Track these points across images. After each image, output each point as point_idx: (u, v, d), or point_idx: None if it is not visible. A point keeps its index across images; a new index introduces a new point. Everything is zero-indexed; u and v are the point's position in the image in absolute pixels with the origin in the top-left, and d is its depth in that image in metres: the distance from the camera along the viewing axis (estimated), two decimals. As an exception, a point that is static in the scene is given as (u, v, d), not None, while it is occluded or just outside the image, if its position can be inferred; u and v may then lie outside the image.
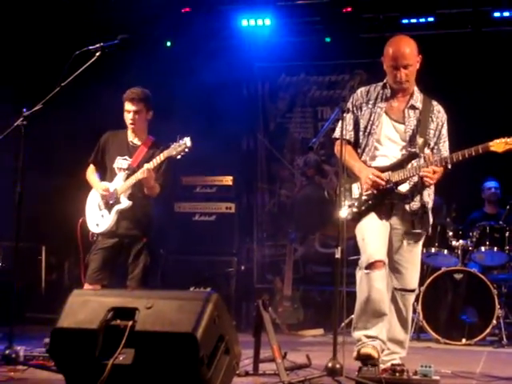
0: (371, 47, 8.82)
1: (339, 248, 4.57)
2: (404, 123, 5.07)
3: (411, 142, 5.05)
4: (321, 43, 9.39)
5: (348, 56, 9.47)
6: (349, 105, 5.16)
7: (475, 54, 9.08)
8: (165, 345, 3.87)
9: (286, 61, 9.90)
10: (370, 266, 4.84)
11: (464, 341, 7.36)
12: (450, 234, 7.93)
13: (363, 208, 5.04)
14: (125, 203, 6.14)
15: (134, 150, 6.24)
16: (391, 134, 5.09)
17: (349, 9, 8.93)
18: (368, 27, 9.15)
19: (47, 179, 8.72)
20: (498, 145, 4.89)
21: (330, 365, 4.51)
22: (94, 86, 8.33)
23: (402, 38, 5.14)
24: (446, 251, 7.87)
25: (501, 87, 8.99)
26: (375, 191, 5.01)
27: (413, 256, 5.12)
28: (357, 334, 4.92)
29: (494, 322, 7.36)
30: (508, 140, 4.89)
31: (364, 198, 5.05)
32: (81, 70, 5.12)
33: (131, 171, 6.15)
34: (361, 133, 5.13)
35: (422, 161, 4.99)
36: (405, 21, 9.04)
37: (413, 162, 5.02)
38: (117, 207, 6.15)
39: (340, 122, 4.91)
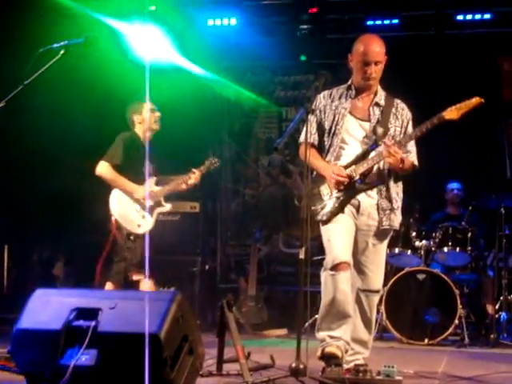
0: (336, 48, 8.91)
1: (303, 248, 4.58)
2: (369, 121, 5.10)
3: (372, 134, 5.08)
4: (286, 43, 9.39)
5: (313, 56, 9.49)
6: (313, 107, 5.15)
7: (438, 55, 9.15)
8: (128, 345, 3.85)
9: (251, 60, 9.90)
10: (336, 268, 4.85)
11: (427, 341, 7.40)
12: (414, 234, 7.99)
13: (334, 208, 5.04)
14: (167, 207, 6.64)
15: (150, 154, 6.51)
16: (357, 132, 5.11)
17: (314, 9, 8.94)
18: (333, 28, 9.17)
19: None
20: (451, 112, 4.96)
21: (293, 365, 4.51)
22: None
23: (373, 35, 5.21)
24: (409, 252, 7.93)
25: (462, 88, 9.06)
26: (343, 188, 5.02)
27: (377, 257, 5.14)
28: (321, 335, 4.93)
29: (456, 321, 7.41)
30: (458, 105, 4.96)
31: (334, 198, 5.06)
32: (45, 68, 5.06)
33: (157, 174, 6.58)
34: (326, 135, 5.14)
35: (382, 148, 4.99)
36: (369, 22, 9.08)
37: (374, 151, 5.05)
38: (159, 210, 6.56)
39: (307, 124, 4.93)
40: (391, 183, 5.11)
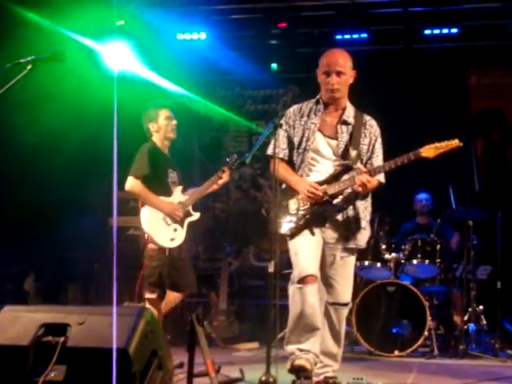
0: (305, 62, 8.96)
1: (272, 262, 4.59)
2: (337, 139, 5.13)
3: (344, 155, 5.10)
4: (256, 57, 9.43)
5: (283, 71, 9.54)
6: (282, 122, 5.17)
7: (407, 69, 9.24)
8: (97, 361, 3.82)
9: (221, 75, 9.93)
10: (303, 281, 4.87)
11: (397, 352, 7.43)
12: (383, 247, 8.03)
13: (300, 223, 5.07)
14: (196, 215, 6.52)
15: (171, 162, 6.58)
16: (324, 149, 5.14)
17: (284, 24, 8.99)
18: (303, 42, 9.23)
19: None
20: (428, 150, 4.99)
21: (263, 378, 4.52)
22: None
23: (336, 49, 5.31)
24: (379, 264, 7.96)
25: (431, 102, 9.18)
26: (312, 205, 5.04)
27: (345, 270, 5.17)
28: (290, 348, 4.94)
29: (426, 333, 7.45)
30: (438, 145, 5.00)
31: (301, 213, 5.08)
32: (12, 83, 5.05)
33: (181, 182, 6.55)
34: (295, 150, 5.17)
35: (355, 173, 5.04)
36: (339, 36, 9.14)
37: (347, 174, 5.08)
38: (188, 220, 6.45)
39: (275, 138, 4.96)
40: (358, 202, 5.15)
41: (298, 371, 4.80)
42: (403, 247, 8.02)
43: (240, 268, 9.68)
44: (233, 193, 10.00)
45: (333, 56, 5.10)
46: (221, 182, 6.60)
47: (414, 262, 7.93)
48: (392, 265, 7.94)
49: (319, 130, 5.14)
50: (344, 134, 5.12)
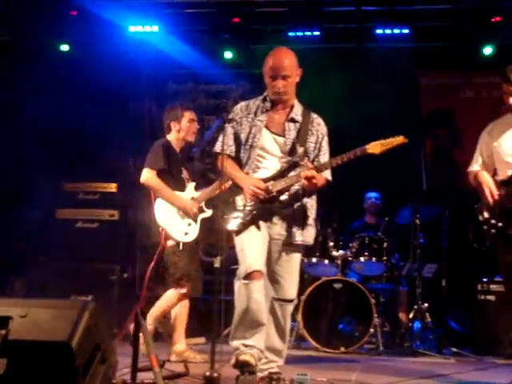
0: (258, 58, 8.94)
1: (219, 258, 4.60)
2: (284, 136, 5.14)
3: (291, 153, 5.12)
4: (209, 52, 9.40)
5: (235, 66, 9.53)
6: (230, 118, 5.19)
7: (359, 68, 9.30)
8: (39, 354, 3.79)
9: (173, 68, 9.89)
10: (249, 277, 4.88)
11: (342, 349, 7.49)
12: (331, 244, 8.08)
13: (247, 219, 5.07)
14: (209, 212, 6.44)
15: (182, 160, 6.61)
16: (271, 146, 5.15)
17: (237, 19, 8.98)
18: (255, 38, 9.23)
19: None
20: (374, 147, 5.03)
21: (207, 373, 4.54)
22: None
23: (281, 49, 5.23)
24: (326, 261, 8.01)
25: (382, 102, 9.24)
26: (258, 201, 5.06)
27: (291, 266, 5.18)
28: (235, 343, 4.95)
29: (372, 330, 7.53)
30: (383, 141, 5.04)
31: (248, 209, 5.09)
32: None
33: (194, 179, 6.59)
34: (242, 146, 5.17)
35: (302, 169, 5.06)
36: (291, 33, 9.15)
37: (294, 170, 5.10)
38: (202, 216, 6.42)
39: (222, 135, 4.97)
40: (305, 199, 5.17)
41: (243, 366, 4.81)
42: (351, 245, 8.09)
43: (190, 263, 9.65)
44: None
45: (278, 59, 5.08)
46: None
47: (361, 259, 8.01)
48: (339, 262, 7.99)
49: (266, 127, 5.15)
50: (291, 131, 5.14)
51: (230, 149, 5.17)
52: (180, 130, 6.56)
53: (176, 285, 6.42)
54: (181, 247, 6.36)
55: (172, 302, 6.57)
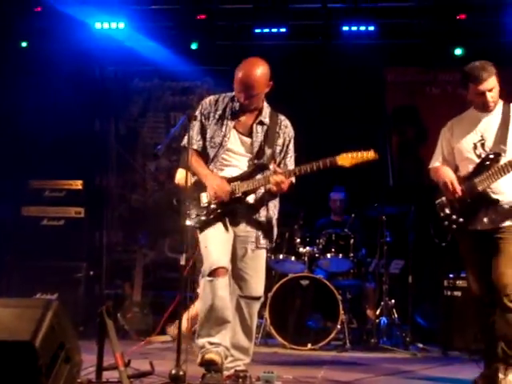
0: (224, 55, 8.97)
1: (184, 255, 4.58)
2: (252, 138, 5.12)
3: (259, 154, 5.11)
4: (174, 48, 9.36)
5: (201, 62, 9.50)
6: (197, 113, 5.16)
7: (326, 65, 9.32)
8: (1, 354, 3.76)
9: (139, 65, 9.84)
10: (213, 273, 4.86)
11: (310, 346, 7.50)
12: (298, 240, 8.08)
13: (211, 216, 5.05)
14: None
15: None
16: (238, 147, 5.13)
17: (203, 16, 8.94)
18: (221, 35, 9.21)
19: None
20: (344, 159, 5.03)
21: (173, 372, 4.52)
22: None
23: (254, 64, 5.05)
24: (293, 258, 8.01)
25: (349, 98, 9.28)
26: (222, 201, 5.04)
27: (257, 263, 5.16)
28: (200, 341, 4.93)
29: (339, 326, 7.55)
30: (354, 155, 5.04)
31: (212, 206, 5.06)
32: None
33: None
34: (207, 142, 5.15)
35: (270, 172, 5.06)
36: (258, 30, 9.14)
37: (261, 173, 5.10)
38: None
39: (189, 130, 4.94)
40: (270, 203, 5.19)
41: (209, 365, 4.80)
42: (317, 241, 8.10)
43: (155, 260, 9.64)
44: (149, 184, 9.94)
45: (248, 76, 4.97)
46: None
47: (328, 255, 8.02)
48: (306, 258, 8.00)
49: (234, 128, 5.13)
50: (259, 133, 5.13)
51: (198, 144, 5.15)
52: None
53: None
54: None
55: None
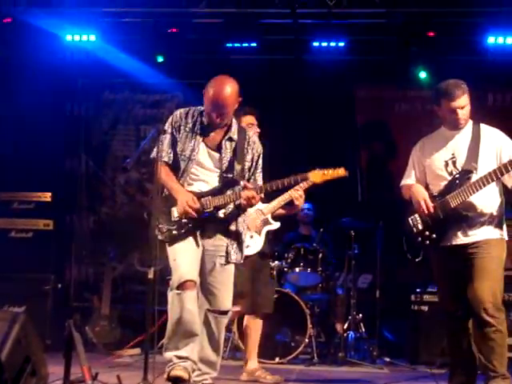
0: (195, 69, 8.99)
1: (152, 268, 4.58)
2: (220, 153, 5.15)
3: (228, 170, 5.14)
4: (145, 61, 9.37)
5: (172, 76, 9.52)
6: (168, 126, 5.17)
7: (296, 80, 9.37)
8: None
9: (110, 77, 9.84)
10: (181, 287, 4.86)
11: (277, 359, 7.51)
12: (267, 255, 8.10)
13: (182, 230, 5.06)
14: (275, 225, 6.31)
15: None
16: (207, 161, 5.15)
17: (174, 30, 8.96)
18: (193, 49, 9.24)
19: None
20: (316, 175, 5.09)
21: (140, 385, 4.51)
22: None
23: (223, 83, 5.06)
24: (262, 272, 8.03)
25: (320, 113, 9.34)
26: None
27: (225, 277, 5.17)
28: (168, 355, 4.93)
29: (307, 340, 7.57)
30: (325, 172, 5.11)
31: (184, 221, 5.07)
32: None
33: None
34: (178, 155, 5.16)
35: (240, 187, 5.08)
36: (229, 45, 9.18)
37: (232, 188, 5.12)
38: (267, 228, 6.29)
39: (158, 142, 4.95)
40: (239, 218, 5.22)
41: (175, 381, 4.79)
42: (286, 255, 8.12)
43: (124, 273, 9.61)
44: (119, 197, 9.92)
45: (219, 95, 4.99)
46: (288, 199, 6.32)
47: (297, 270, 8.05)
48: (275, 273, 7.99)
49: (203, 142, 5.15)
50: (228, 149, 5.15)
51: (169, 156, 5.15)
52: None
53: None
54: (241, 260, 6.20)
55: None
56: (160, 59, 9.16)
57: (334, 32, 8.90)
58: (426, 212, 5.25)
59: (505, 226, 5.28)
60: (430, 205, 5.24)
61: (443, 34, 8.73)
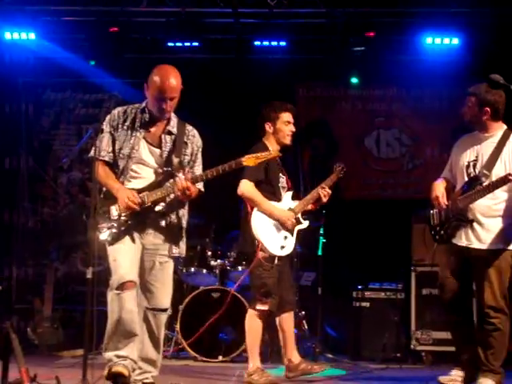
0: (136, 68, 8.95)
1: (91, 268, 4.57)
2: (161, 148, 5.15)
3: (167, 164, 5.14)
4: (87, 61, 9.29)
5: (113, 75, 9.46)
6: (106, 124, 5.15)
7: (239, 79, 9.40)
8: None
9: (51, 77, 9.75)
10: (121, 287, 4.85)
11: (221, 358, 7.54)
12: (209, 253, 8.13)
13: (122, 229, 5.05)
14: (305, 223, 6.27)
15: (280, 166, 6.37)
16: (148, 158, 5.15)
17: (115, 29, 8.91)
18: (134, 48, 9.21)
19: None
20: (249, 160, 5.12)
21: (79, 386, 4.49)
22: None
23: (169, 69, 5.09)
24: (204, 270, 8.06)
25: (257, 111, 9.36)
26: (132, 212, 5.05)
27: (164, 275, 5.17)
28: (108, 355, 4.91)
29: (249, 339, 7.59)
30: (258, 154, 5.15)
31: (123, 219, 5.06)
32: None
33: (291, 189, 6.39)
34: (118, 155, 5.14)
35: (177, 180, 5.07)
36: (171, 44, 9.18)
37: (169, 181, 5.12)
38: (298, 227, 6.24)
39: (97, 141, 4.94)
40: (180, 211, 5.21)
41: (116, 378, 4.78)
42: (229, 254, 8.14)
43: (67, 274, 9.55)
44: (61, 197, 9.84)
45: (166, 81, 5.00)
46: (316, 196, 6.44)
47: (240, 268, 8.07)
48: (218, 271, 8.04)
49: (144, 139, 5.15)
50: (168, 143, 5.16)
51: (109, 155, 5.14)
52: (274, 133, 6.33)
53: (258, 300, 6.16)
54: (276, 261, 6.15)
55: (257, 326, 6.27)
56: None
57: (276, 31, 8.95)
58: (440, 208, 5.60)
59: None
60: (442, 202, 5.56)
61: (382, 33, 8.85)
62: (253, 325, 6.23)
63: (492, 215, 5.46)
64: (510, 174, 5.26)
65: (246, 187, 6.13)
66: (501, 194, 5.44)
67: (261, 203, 6.13)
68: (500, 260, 5.43)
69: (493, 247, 5.44)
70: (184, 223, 5.25)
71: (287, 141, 6.42)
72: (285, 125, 6.37)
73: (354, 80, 9.41)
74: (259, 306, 6.13)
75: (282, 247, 6.19)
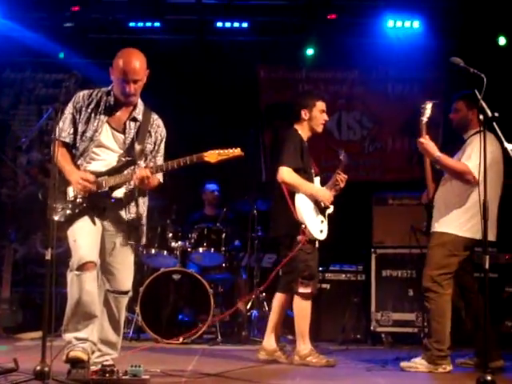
0: (97, 48, 8.88)
1: (50, 249, 4.53)
2: (124, 134, 5.12)
3: (129, 150, 5.10)
4: (48, 40, 9.19)
5: (75, 55, 9.37)
6: (70, 106, 5.10)
7: (200, 61, 9.36)
8: None
9: (11, 56, 9.63)
10: (81, 268, 4.81)
11: (181, 339, 7.54)
12: (170, 235, 8.12)
13: (77, 210, 5.00)
14: (331, 208, 6.34)
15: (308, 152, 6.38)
16: (110, 142, 5.10)
17: (76, 8, 8.82)
18: (95, 28, 9.12)
19: None
20: (211, 155, 5.09)
21: (38, 368, 4.45)
22: None
23: (133, 52, 5.06)
24: (165, 252, 8.05)
25: (223, 94, 9.36)
26: (88, 195, 5.01)
27: (125, 257, 5.15)
28: (67, 336, 4.88)
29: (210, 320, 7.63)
30: (221, 151, 5.12)
31: (78, 200, 5.02)
32: None
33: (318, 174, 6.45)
34: (78, 137, 5.09)
35: (137, 168, 5.06)
36: (132, 24, 9.11)
37: (130, 168, 5.09)
38: (328, 212, 6.30)
39: (59, 123, 4.88)
40: (140, 199, 5.19)
41: (74, 362, 4.76)
42: (190, 236, 8.15)
43: (26, 255, 9.45)
44: (21, 178, 9.74)
45: (130, 63, 4.95)
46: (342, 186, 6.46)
47: (200, 250, 8.08)
48: (178, 253, 8.05)
49: (108, 123, 5.10)
50: (132, 130, 5.12)
51: (70, 137, 5.09)
52: (309, 120, 6.38)
53: (300, 283, 6.19)
54: (317, 245, 6.27)
55: (306, 309, 6.32)
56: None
57: (238, 13, 8.95)
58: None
59: (460, 222, 5.84)
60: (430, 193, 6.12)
61: (344, 16, 8.86)
62: (301, 308, 6.31)
63: (442, 202, 6.04)
64: None
65: (287, 173, 6.21)
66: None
67: (302, 185, 6.23)
68: (439, 241, 5.96)
69: (437, 229, 5.99)
70: (143, 211, 5.22)
71: (320, 129, 6.49)
72: (320, 113, 6.44)
73: (310, 51, 9.42)
74: (302, 289, 6.23)
75: (321, 231, 6.30)
